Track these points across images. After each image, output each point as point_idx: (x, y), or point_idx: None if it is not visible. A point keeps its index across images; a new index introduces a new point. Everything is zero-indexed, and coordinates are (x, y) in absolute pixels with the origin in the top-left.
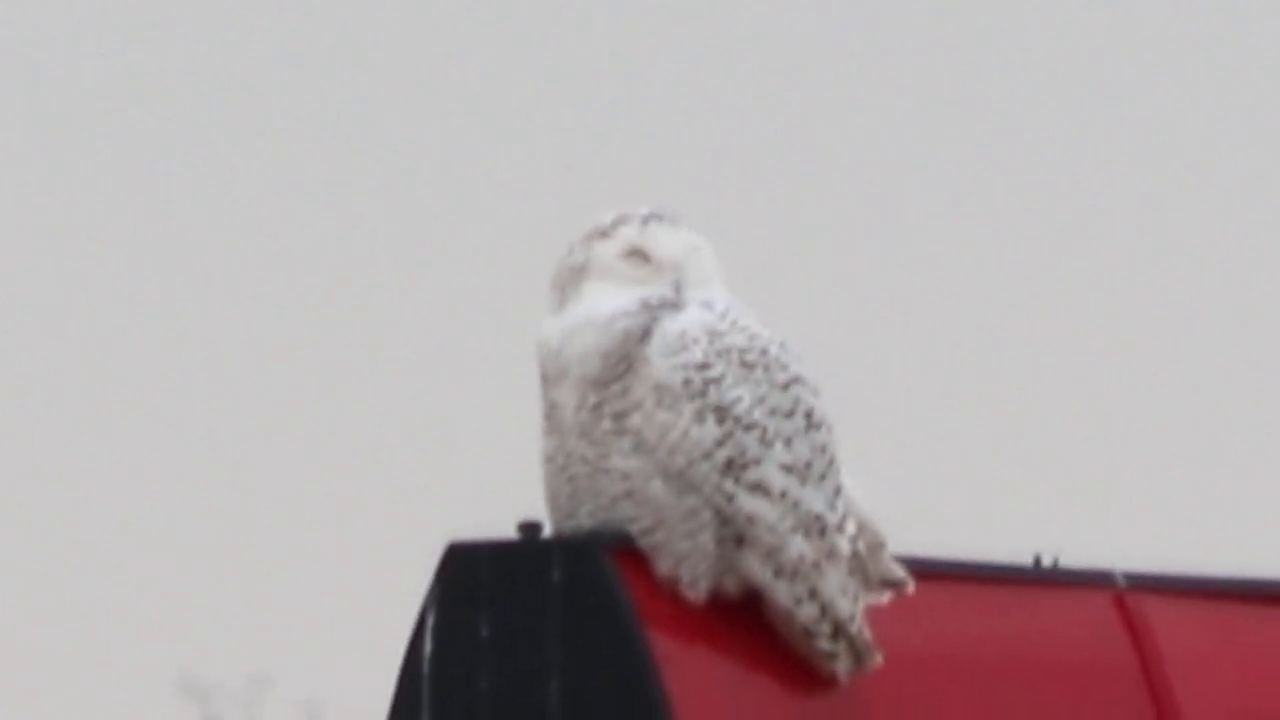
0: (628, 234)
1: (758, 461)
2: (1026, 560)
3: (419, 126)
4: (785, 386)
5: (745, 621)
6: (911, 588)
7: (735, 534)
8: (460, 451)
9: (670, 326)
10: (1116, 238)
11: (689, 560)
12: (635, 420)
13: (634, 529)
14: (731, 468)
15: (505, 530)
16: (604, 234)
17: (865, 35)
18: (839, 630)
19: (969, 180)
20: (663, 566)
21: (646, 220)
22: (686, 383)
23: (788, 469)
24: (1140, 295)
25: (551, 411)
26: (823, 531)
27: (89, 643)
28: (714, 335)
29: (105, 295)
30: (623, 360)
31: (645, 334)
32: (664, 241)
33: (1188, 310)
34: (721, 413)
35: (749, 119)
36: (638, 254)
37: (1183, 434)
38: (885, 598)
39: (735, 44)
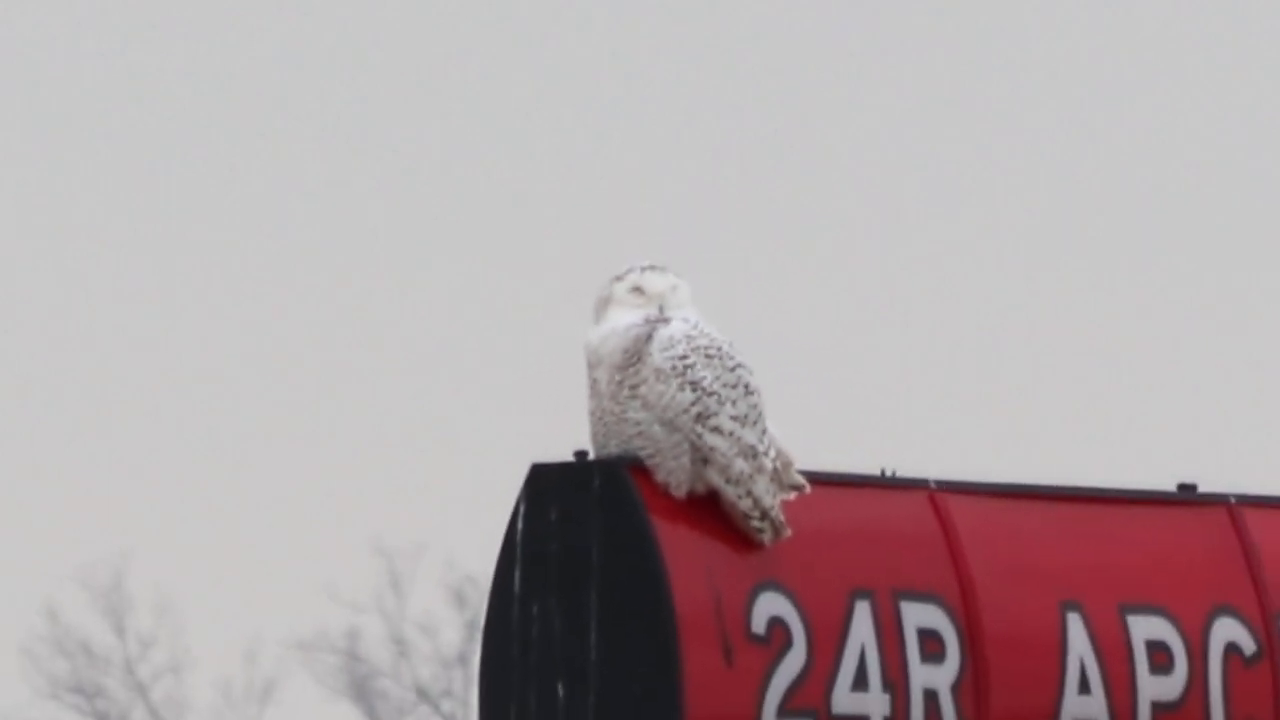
0: (631, 278)
1: (715, 414)
2: (876, 471)
3: (419, 126)
4: (732, 369)
5: (710, 510)
6: (809, 490)
7: (702, 458)
8: (540, 406)
9: (664, 333)
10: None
11: (675, 473)
12: (643, 390)
13: (643, 454)
14: (700, 418)
15: (566, 455)
16: (619, 278)
17: (865, 35)
18: (765, 515)
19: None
20: (659, 477)
21: (644, 270)
22: (673, 368)
23: (734, 418)
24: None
25: (593, 385)
26: (754, 456)
27: (302, 511)
28: (690, 338)
29: (106, 295)
30: (635, 354)
31: (649, 338)
32: (653, 282)
33: (975, 257)
34: (694, 385)
35: (749, 121)
36: (637, 290)
37: (986, 375)
38: (793, 496)
39: (735, 45)
